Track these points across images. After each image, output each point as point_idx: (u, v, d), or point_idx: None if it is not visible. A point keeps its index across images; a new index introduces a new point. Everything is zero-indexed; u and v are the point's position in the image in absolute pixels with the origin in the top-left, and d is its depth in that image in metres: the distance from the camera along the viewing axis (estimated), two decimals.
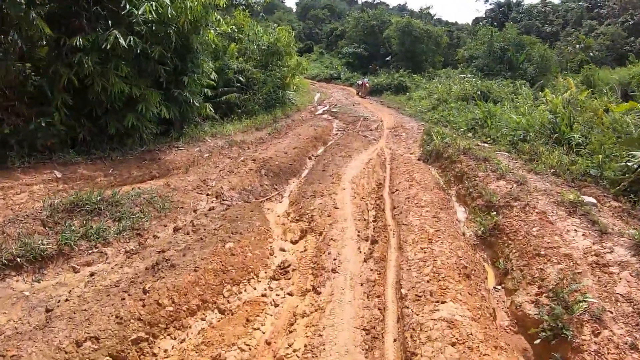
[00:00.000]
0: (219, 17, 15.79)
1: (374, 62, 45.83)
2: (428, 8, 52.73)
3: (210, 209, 10.07)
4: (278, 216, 10.47)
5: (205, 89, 16.43)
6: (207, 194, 10.99)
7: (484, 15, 70.40)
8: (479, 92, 23.65)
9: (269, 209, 10.85)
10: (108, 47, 11.43)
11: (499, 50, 34.17)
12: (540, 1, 72.04)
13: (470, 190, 11.37)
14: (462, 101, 23.32)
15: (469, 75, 31.20)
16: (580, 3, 64.50)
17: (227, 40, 22.74)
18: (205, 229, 8.57)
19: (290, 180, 13.37)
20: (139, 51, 12.42)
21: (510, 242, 8.33)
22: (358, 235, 8.41)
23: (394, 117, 24.82)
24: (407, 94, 30.94)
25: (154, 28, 12.88)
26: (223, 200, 10.75)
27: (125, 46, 11.72)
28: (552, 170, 11.39)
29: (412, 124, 22.26)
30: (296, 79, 27.14)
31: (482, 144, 15.38)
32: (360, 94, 34.56)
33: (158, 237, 8.74)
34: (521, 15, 66.57)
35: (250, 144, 16.77)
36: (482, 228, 9.17)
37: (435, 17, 60.33)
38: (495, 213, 9.37)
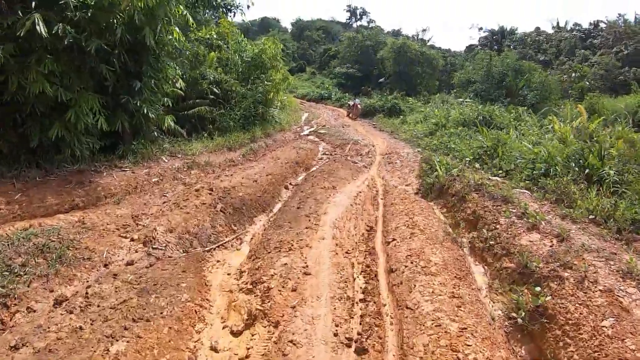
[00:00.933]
0: (185, 12, 12.74)
1: (367, 83, 43.01)
2: (424, 30, 49.32)
3: (128, 264, 7.00)
4: (228, 274, 7.35)
5: (166, 99, 13.37)
6: (133, 239, 7.83)
7: (477, 43, 68.17)
8: (480, 118, 20.95)
9: (218, 262, 7.81)
10: (22, 34, 8.53)
11: (497, 75, 31.78)
12: (534, 30, 70.06)
13: (491, 243, 8.33)
14: (462, 127, 20.54)
15: (467, 100, 28.42)
16: (574, 33, 62.51)
17: (206, 48, 19.84)
18: (100, 306, 5.48)
19: (257, 218, 10.29)
20: (70, 43, 9.51)
21: (568, 341, 5.30)
22: (336, 335, 5.23)
23: (387, 142, 21.81)
24: (402, 117, 28.05)
25: (89, 15, 9.90)
26: (153, 248, 7.61)
27: (45, 34, 8.76)
28: (591, 217, 8.61)
29: (408, 150, 19.25)
30: (282, 96, 24.00)
31: (494, 178, 12.45)
32: (351, 115, 31.60)
33: (34, 311, 5.61)
34: (515, 44, 64.51)
35: (216, 167, 13.66)
36: (520, 312, 6.05)
37: (429, 43, 57.50)
38: (537, 288, 6.25)
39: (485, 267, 8.08)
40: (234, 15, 24.54)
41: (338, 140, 21.30)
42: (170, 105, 13.88)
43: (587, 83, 38.53)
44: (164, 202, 9.73)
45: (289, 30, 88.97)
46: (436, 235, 8.53)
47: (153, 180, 11.27)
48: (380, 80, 42.04)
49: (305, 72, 62.90)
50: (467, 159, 15.05)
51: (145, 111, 11.98)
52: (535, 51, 62.54)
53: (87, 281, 6.50)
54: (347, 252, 7.69)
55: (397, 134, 24.08)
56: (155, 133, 13.69)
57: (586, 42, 60.13)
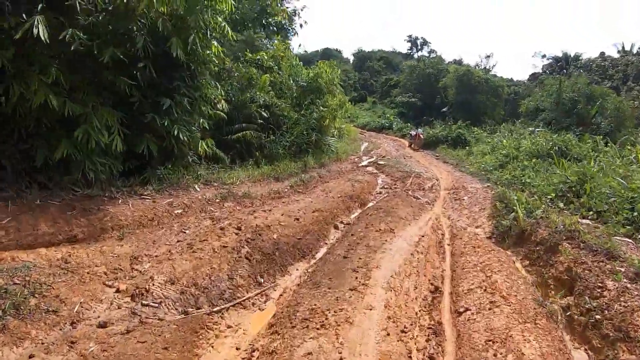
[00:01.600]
0: (223, 23, 10.98)
1: (429, 112, 40.60)
2: (488, 57, 46.44)
3: (100, 325, 5.15)
4: (237, 349, 5.28)
5: (204, 120, 11.66)
6: (119, 289, 5.91)
7: (541, 71, 64.57)
8: (556, 148, 18.36)
9: (229, 328, 5.80)
10: (18, 36, 6.89)
11: (568, 102, 28.83)
12: (598, 55, 65.77)
13: (597, 317, 6.00)
14: (536, 158, 17.89)
15: (538, 129, 25.63)
16: None
17: (258, 71, 18.17)
18: None
19: (293, 267, 8.18)
20: (80, 51, 7.95)
21: None
22: None
23: (452, 175, 19.34)
24: (467, 148, 25.46)
25: (101, 19, 8.26)
26: (142, 304, 5.72)
27: (45, 38, 7.09)
28: None
29: (476, 185, 16.75)
30: (339, 123, 21.97)
31: (584, 221, 10.01)
32: (413, 146, 29.26)
33: None
34: (579, 70, 60.57)
35: (256, 199, 11.71)
36: None
37: (493, 70, 54.45)
38: None
39: (590, 352, 5.66)
40: (292, 36, 22.98)
41: (399, 173, 19.02)
42: (210, 128, 12.19)
43: None
44: (179, 241, 7.77)
45: (351, 61, 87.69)
46: (525, 307, 6.18)
47: (175, 212, 9.41)
48: (443, 109, 39.51)
49: (366, 101, 61.09)
50: (548, 196, 12.60)
51: (176, 133, 10.20)
52: (601, 77, 58.39)
53: (43, 342, 4.57)
54: (403, 331, 5.44)
55: (462, 166, 21.57)
56: (190, 158, 11.88)
57: None
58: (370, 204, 13.78)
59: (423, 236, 9.95)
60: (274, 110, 16.93)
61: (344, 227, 10.92)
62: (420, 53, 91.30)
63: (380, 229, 9.47)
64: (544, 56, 65.85)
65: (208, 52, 11.01)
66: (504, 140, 23.33)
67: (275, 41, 21.96)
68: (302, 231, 9.19)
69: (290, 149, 16.99)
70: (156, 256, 7.14)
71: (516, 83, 65.80)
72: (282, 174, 14.77)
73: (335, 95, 20.75)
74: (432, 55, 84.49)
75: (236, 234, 7.99)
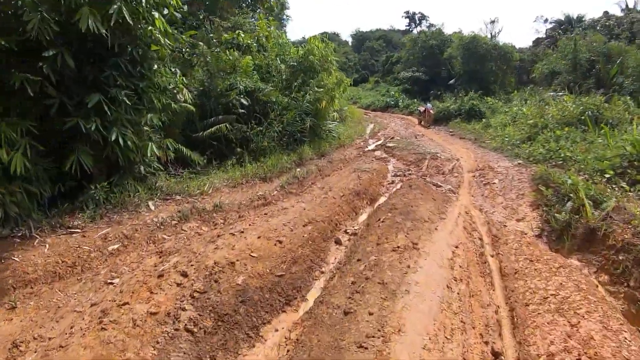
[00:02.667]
0: None
1: (435, 86, 37.24)
2: (493, 22, 42.75)
3: None
4: None
5: (154, 116, 8.85)
6: None
7: (544, 36, 60.65)
8: (588, 113, 15.29)
9: None
10: None
11: (585, 63, 25.58)
12: (602, 15, 61.65)
13: None
14: (568, 127, 15.09)
15: (559, 93, 22.48)
16: None
17: (241, 54, 15.36)
18: None
19: (269, 327, 5.22)
20: None
21: None
22: None
23: (473, 153, 16.28)
24: (483, 120, 22.25)
25: None
26: None
27: None
28: None
29: (504, 164, 13.77)
30: (338, 104, 18.91)
31: None
32: (423, 123, 26.06)
33: None
34: (585, 32, 56.68)
35: (231, 212, 8.86)
36: None
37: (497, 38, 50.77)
38: None
39: None
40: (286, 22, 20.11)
41: (411, 155, 16.01)
42: (174, 124, 9.50)
43: None
44: (93, 304, 5.01)
45: (350, 43, 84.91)
46: None
47: (110, 248, 6.67)
48: (450, 82, 36.03)
49: (368, 81, 57.90)
50: (604, 175, 9.73)
51: (114, 137, 7.42)
52: (607, 37, 54.53)
53: None
54: None
55: (482, 141, 18.51)
56: (143, 167, 9.02)
57: None
58: (382, 200, 10.95)
59: (457, 247, 7.09)
60: (259, 96, 14.02)
61: (349, 239, 8.06)
62: (419, 28, 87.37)
63: (398, 247, 6.54)
64: (546, 20, 61.98)
65: (150, 28, 8.17)
66: (525, 109, 20.24)
67: (258, 20, 18.97)
68: (286, 261, 6.31)
69: (281, 140, 14.12)
70: (50, 339, 4.43)
71: (520, 50, 62.13)
72: (271, 172, 11.92)
73: (331, 73, 17.75)
74: (432, 29, 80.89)
75: (179, 284, 5.15)
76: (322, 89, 16.27)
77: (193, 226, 7.84)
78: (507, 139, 16.78)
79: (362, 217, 9.63)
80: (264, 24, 17.76)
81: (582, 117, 15.30)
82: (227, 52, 14.98)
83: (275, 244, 6.63)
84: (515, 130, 17.76)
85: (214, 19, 17.26)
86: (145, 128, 8.86)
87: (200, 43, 13.82)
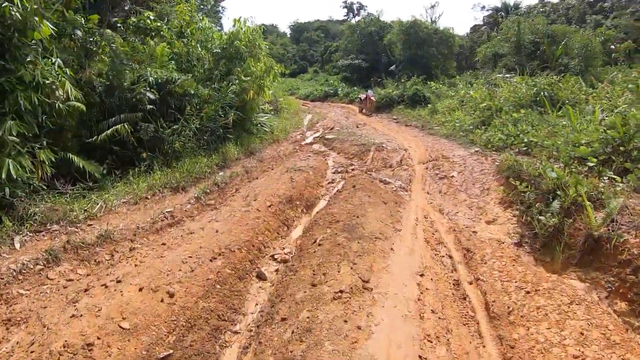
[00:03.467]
0: None
1: (375, 73, 35.39)
2: (433, 7, 41.17)
3: None
4: None
5: (12, 125, 6.38)
6: None
7: (482, 22, 60.41)
8: (544, 94, 13.88)
9: None
10: None
11: (530, 44, 24.46)
12: (538, 1, 62.03)
13: None
14: (524, 109, 13.58)
15: (507, 75, 21.06)
16: None
17: (156, 40, 12.97)
18: None
19: None
20: None
21: None
22: None
23: (422, 142, 14.39)
24: (429, 106, 20.48)
25: None
26: None
27: None
28: None
29: (459, 152, 11.95)
30: (269, 95, 16.59)
31: None
32: (364, 111, 24.02)
33: None
34: (521, 17, 56.56)
35: (122, 243, 6.56)
36: None
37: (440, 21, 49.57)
38: None
39: None
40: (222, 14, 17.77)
41: (354, 147, 13.99)
42: (53, 128, 7.08)
43: (612, 47, 30.82)
44: None
45: (288, 35, 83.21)
46: None
47: None
48: (391, 68, 34.33)
49: (307, 72, 55.87)
50: (586, 163, 8.00)
51: None
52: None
53: None
54: None
55: (431, 128, 16.69)
56: (8, 191, 6.58)
57: (595, 6, 52.34)
58: (322, 205, 9.00)
59: (422, 275, 5.17)
60: (174, 88, 11.61)
61: (276, 270, 5.95)
62: (357, 18, 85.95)
63: (341, 291, 4.42)
64: (483, 7, 62.02)
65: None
66: (473, 92, 18.60)
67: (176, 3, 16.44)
68: (177, 327, 4.11)
69: (201, 139, 11.79)
70: None
71: (459, 37, 61.68)
72: (185, 180, 9.60)
73: (259, 59, 15.46)
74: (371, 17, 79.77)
75: None
76: (248, 78, 14.03)
77: (65, 270, 5.50)
78: (458, 125, 15.03)
79: (296, 233, 7.58)
80: (184, 7, 15.28)
81: (537, 99, 13.99)
82: (140, 39, 12.55)
83: (162, 300, 4.43)
84: (466, 115, 16.10)
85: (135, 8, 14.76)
86: (12, 138, 6.44)
87: (107, 30, 11.35)
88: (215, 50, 14.88)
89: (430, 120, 18.12)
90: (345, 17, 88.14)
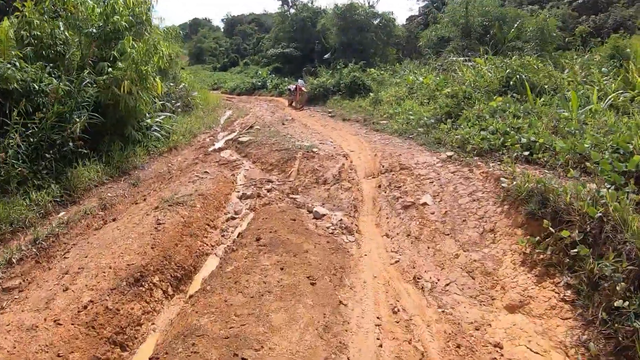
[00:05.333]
0: None
1: (311, 62, 31.01)
2: None
3: None
4: None
5: None
6: None
7: (418, 13, 57.56)
8: (520, 78, 10.60)
9: None
10: None
11: (479, 27, 21.57)
12: None
13: None
14: (499, 96, 10.18)
15: (461, 58, 17.49)
16: None
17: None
18: None
19: None
20: None
21: None
22: None
23: (368, 142, 10.15)
24: (371, 95, 16.49)
25: None
26: None
27: None
28: None
29: (424, 157, 7.88)
30: (161, 85, 11.69)
31: None
32: (294, 104, 19.70)
33: None
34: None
35: None
36: None
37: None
38: None
39: None
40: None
41: (274, 154, 9.74)
42: None
43: (554, 34, 28.43)
44: None
45: (222, 28, 79.34)
46: None
47: None
48: (326, 56, 30.12)
49: (238, 65, 51.25)
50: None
51: None
52: None
53: None
54: None
55: (376, 122, 12.54)
56: None
57: None
58: (210, 266, 4.83)
59: None
60: (8, 86, 7.03)
61: None
62: (292, 11, 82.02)
63: None
64: None
65: None
66: (425, 78, 14.76)
67: None
68: None
69: (38, 160, 7.23)
70: None
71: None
72: None
73: (142, 36, 10.92)
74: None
75: None
76: (125, 64, 9.59)
77: None
78: (413, 118, 11.00)
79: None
80: None
81: (511, 83, 10.68)
82: None
83: None
84: (421, 105, 12.18)
85: None
86: None
87: None
88: (88, 30, 10.33)
89: (373, 113, 14.05)
90: (280, 9, 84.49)
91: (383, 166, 7.94)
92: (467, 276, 4.47)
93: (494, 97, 9.96)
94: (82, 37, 10.40)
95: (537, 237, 4.36)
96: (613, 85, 9.64)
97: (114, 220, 6.33)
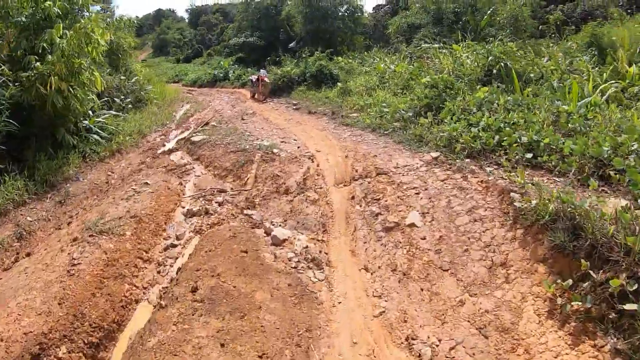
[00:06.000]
0: None
1: (275, 52, 29.32)
2: None
3: None
4: None
5: None
6: None
7: (384, 2, 56.43)
8: (503, 65, 9.68)
9: None
10: None
11: (450, 14, 20.72)
12: None
13: None
14: (483, 85, 9.14)
15: (435, 44, 16.37)
16: None
17: None
18: None
19: None
20: None
21: None
22: None
23: (337, 140, 8.80)
24: (339, 85, 15.05)
25: None
26: None
27: None
28: None
29: (404, 159, 6.61)
30: (100, 82, 9.89)
31: None
32: (256, 96, 18.19)
33: None
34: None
35: None
36: None
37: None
38: None
39: None
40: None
41: (230, 156, 8.37)
42: None
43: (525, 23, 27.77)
44: None
45: (186, 19, 76.92)
46: None
47: None
48: (290, 45, 28.48)
49: (202, 55, 49.25)
50: None
51: None
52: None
53: None
54: None
55: (345, 115, 11.16)
56: None
57: None
58: (140, 320, 3.50)
59: None
60: None
61: None
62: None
63: None
64: None
65: None
66: (397, 66, 13.59)
67: None
68: None
69: None
70: None
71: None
72: None
73: (79, 23, 9.32)
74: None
75: None
76: (55, 55, 8.12)
77: None
78: (387, 110, 9.71)
79: None
80: None
81: (494, 71, 9.72)
82: None
83: None
84: (395, 96, 10.96)
85: None
86: None
87: None
88: (17, 19, 8.78)
89: (342, 105, 12.67)
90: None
91: (356, 171, 6.65)
92: (477, 334, 3.26)
93: (478, 87, 8.82)
94: (11, 27, 8.87)
95: (569, 280, 3.16)
96: (605, 74, 8.62)
97: (28, 255, 4.93)
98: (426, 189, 5.27)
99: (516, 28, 18.98)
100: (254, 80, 18.60)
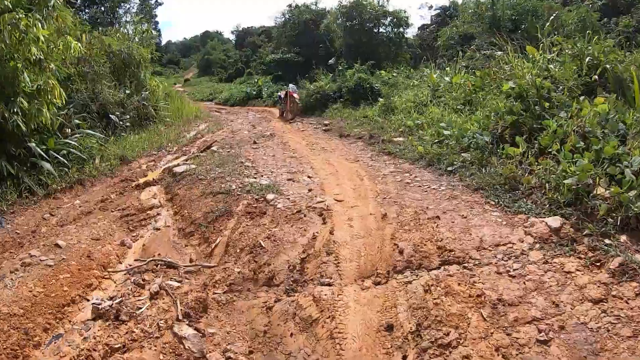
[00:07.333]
0: None
1: (312, 70, 26.46)
2: None
3: None
4: None
5: None
6: None
7: (430, 22, 53.85)
8: (609, 69, 6.38)
9: None
10: None
11: (508, 22, 17.48)
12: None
13: None
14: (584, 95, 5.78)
15: (499, 52, 13.32)
16: None
17: None
18: None
19: None
20: None
21: None
22: None
23: (370, 180, 5.75)
24: (380, 100, 11.99)
25: None
26: None
27: None
28: None
29: (491, 229, 3.40)
30: (60, 93, 7.14)
31: None
32: (284, 114, 15.34)
33: None
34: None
35: None
36: None
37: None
38: None
39: None
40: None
41: (208, 200, 5.45)
42: None
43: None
44: None
45: (232, 40, 77.31)
46: None
47: None
48: (330, 61, 25.53)
49: (243, 75, 47.69)
50: None
51: None
52: None
53: None
54: None
55: (386, 140, 8.03)
56: None
57: None
58: None
59: None
60: None
61: None
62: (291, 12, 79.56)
63: None
64: (430, 7, 55.89)
65: None
66: (455, 77, 10.49)
67: None
68: None
69: None
70: None
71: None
72: None
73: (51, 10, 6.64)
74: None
75: None
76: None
77: None
78: (448, 133, 6.53)
79: None
80: None
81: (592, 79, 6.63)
82: None
83: None
84: (453, 113, 7.85)
85: None
86: None
87: None
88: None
89: (384, 125, 9.57)
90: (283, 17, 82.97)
91: (401, 252, 3.52)
92: None
93: (580, 99, 5.58)
94: None
95: None
96: None
97: None
98: (563, 326, 2.10)
99: (585, 34, 16.14)
100: (282, 96, 15.68)
